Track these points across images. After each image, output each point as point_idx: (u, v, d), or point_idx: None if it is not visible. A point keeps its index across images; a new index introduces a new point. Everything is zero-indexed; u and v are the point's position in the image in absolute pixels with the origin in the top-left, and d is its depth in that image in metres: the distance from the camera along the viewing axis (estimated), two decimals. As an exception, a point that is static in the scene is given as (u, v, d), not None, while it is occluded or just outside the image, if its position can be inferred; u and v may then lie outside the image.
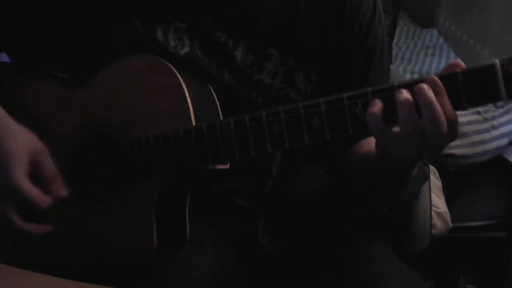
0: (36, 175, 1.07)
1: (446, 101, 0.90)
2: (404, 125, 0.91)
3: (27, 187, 1.05)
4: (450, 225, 1.78)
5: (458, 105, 0.89)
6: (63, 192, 1.09)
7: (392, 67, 1.36)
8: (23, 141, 1.07)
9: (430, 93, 0.89)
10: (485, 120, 2.11)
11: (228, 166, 1.04)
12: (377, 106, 0.92)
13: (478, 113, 2.12)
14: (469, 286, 2.13)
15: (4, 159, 1.05)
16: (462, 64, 0.91)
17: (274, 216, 1.20)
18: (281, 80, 1.13)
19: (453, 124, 0.91)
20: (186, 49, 1.11)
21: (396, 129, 0.92)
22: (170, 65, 1.05)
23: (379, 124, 0.92)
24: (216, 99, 1.07)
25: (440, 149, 0.95)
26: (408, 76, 2.63)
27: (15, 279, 0.97)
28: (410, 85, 0.91)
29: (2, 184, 1.05)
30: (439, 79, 0.89)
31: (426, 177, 1.25)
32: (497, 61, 0.86)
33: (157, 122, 1.05)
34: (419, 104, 0.89)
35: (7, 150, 1.05)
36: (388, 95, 0.92)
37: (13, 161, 1.05)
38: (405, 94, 0.90)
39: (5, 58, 1.25)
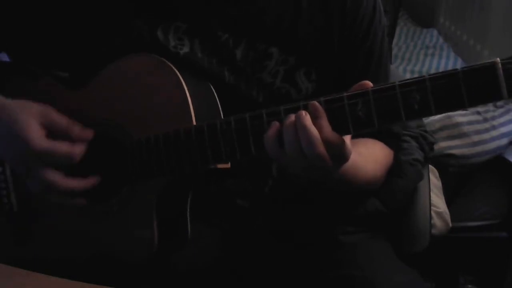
0: (54, 132, 1.05)
1: (325, 123, 0.92)
2: (288, 147, 0.93)
3: (52, 146, 1.03)
4: (450, 225, 1.78)
5: (459, 104, 0.89)
6: (88, 133, 1.07)
7: (392, 67, 1.36)
8: (24, 109, 1.06)
9: (306, 118, 0.92)
10: (485, 120, 2.11)
11: (229, 165, 1.04)
12: (273, 128, 0.94)
13: (478, 113, 2.12)
14: (469, 286, 2.14)
15: (17, 132, 1.03)
16: (370, 84, 0.92)
17: (274, 216, 1.20)
18: (282, 79, 1.13)
19: (332, 145, 0.93)
20: (186, 49, 1.11)
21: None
22: (171, 64, 1.05)
23: (274, 147, 0.94)
24: (217, 98, 1.07)
25: (328, 171, 0.97)
26: (408, 76, 2.63)
27: (16, 279, 0.97)
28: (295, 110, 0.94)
29: (26, 157, 1.04)
30: (439, 79, 0.89)
31: (421, 176, 1.25)
32: (498, 60, 0.86)
33: (157, 122, 1.05)
34: (297, 128, 0.92)
35: (16, 123, 1.04)
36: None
37: (26, 130, 1.03)
38: (289, 119, 0.93)
39: (5, 58, 1.25)
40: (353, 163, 0.99)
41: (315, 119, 0.92)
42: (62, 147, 1.04)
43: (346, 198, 1.22)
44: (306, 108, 0.94)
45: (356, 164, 1.02)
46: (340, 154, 0.95)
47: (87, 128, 1.07)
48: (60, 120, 1.06)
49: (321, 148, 0.92)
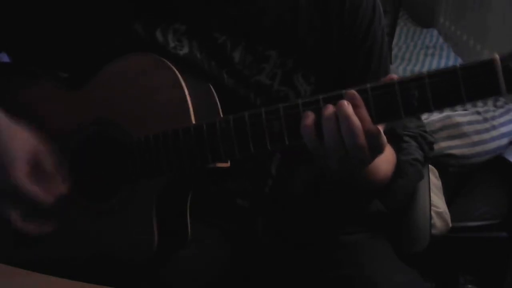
0: (36, 173, 1.06)
1: (365, 113, 0.92)
2: (328, 140, 0.93)
3: (26, 186, 1.04)
4: (450, 225, 1.78)
5: (458, 100, 0.89)
6: (63, 189, 1.08)
7: (392, 67, 1.36)
8: (21, 141, 1.06)
9: (349, 108, 0.91)
10: (485, 120, 2.11)
11: (228, 164, 1.04)
12: (310, 118, 0.93)
13: (478, 113, 2.12)
14: (469, 286, 2.14)
15: (3, 159, 1.04)
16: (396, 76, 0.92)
17: (274, 216, 1.20)
18: (280, 82, 1.13)
19: (372, 136, 0.93)
20: (185, 50, 1.11)
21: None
22: (170, 64, 1.04)
23: (312, 137, 0.93)
24: (216, 98, 1.07)
25: (364, 163, 0.97)
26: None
27: (16, 279, 0.97)
28: (333, 99, 0.93)
29: (3, 184, 1.05)
30: (438, 76, 0.89)
31: (421, 175, 1.25)
32: (497, 55, 0.86)
33: (157, 121, 1.04)
34: (338, 118, 0.91)
35: (6, 150, 1.05)
36: (317, 108, 0.94)
37: (11, 161, 1.04)
38: (329, 109, 0.92)
39: (5, 58, 1.25)
40: (373, 161, 0.99)
41: (354, 108, 0.92)
42: (38, 192, 1.05)
43: (350, 199, 1.22)
44: (306, 105, 0.94)
45: (375, 163, 1.02)
46: (377, 145, 0.94)
47: (67, 181, 1.08)
48: (48, 166, 1.07)
49: (363, 138, 0.92)
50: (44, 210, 1.07)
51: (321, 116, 0.93)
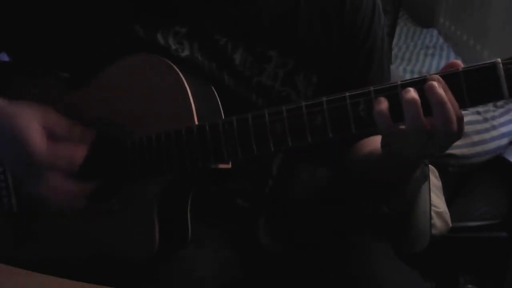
0: (54, 139, 1.03)
1: (452, 98, 0.89)
2: (411, 124, 0.90)
3: (53, 150, 1.01)
4: (450, 225, 1.78)
5: (460, 104, 0.89)
6: (89, 133, 1.05)
7: (392, 67, 1.36)
8: (25, 112, 1.03)
9: (441, 91, 0.88)
10: (485, 120, 2.11)
11: (230, 165, 1.04)
12: (384, 104, 0.91)
13: (478, 113, 2.12)
14: (469, 286, 2.14)
15: (17, 137, 1.01)
16: (461, 64, 0.91)
17: (274, 216, 1.20)
18: (282, 82, 1.13)
19: (461, 121, 0.91)
20: (186, 52, 1.11)
21: (403, 127, 0.92)
22: (172, 64, 1.04)
23: (387, 122, 0.91)
24: (218, 99, 1.07)
25: (446, 147, 0.95)
26: (408, 76, 2.62)
27: (16, 279, 0.97)
28: (414, 84, 0.90)
29: (26, 161, 1.01)
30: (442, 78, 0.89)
31: (426, 177, 1.25)
32: (499, 60, 0.87)
33: (159, 121, 1.04)
34: (429, 102, 0.89)
35: (16, 127, 1.02)
36: (392, 94, 0.91)
37: (26, 135, 1.01)
38: (412, 93, 0.89)
39: (5, 58, 1.25)
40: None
41: (445, 92, 0.89)
42: (63, 151, 1.02)
43: (346, 199, 1.22)
44: (309, 107, 0.94)
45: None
46: (463, 130, 0.92)
47: (88, 128, 1.06)
48: (61, 122, 1.05)
49: (456, 124, 0.89)
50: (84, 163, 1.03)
51: (399, 100, 0.90)
